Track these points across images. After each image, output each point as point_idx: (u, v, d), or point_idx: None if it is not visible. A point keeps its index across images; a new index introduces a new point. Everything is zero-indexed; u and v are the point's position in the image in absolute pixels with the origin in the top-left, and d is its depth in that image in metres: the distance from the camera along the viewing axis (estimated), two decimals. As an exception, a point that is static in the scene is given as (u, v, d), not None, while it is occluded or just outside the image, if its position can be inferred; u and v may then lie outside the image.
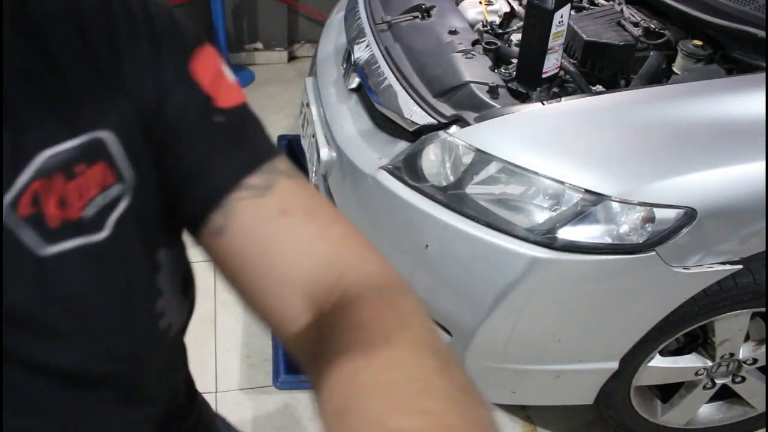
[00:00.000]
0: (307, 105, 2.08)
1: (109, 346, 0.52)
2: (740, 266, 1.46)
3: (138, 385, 0.58)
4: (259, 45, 3.71)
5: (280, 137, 2.84)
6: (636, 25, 1.78)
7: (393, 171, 1.57)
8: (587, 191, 1.37)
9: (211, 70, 0.55)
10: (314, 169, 1.98)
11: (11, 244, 0.46)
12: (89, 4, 0.51)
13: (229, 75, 0.57)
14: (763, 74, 1.53)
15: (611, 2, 1.91)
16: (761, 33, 1.56)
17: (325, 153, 1.83)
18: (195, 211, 0.53)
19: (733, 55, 1.66)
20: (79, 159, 0.49)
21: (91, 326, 0.50)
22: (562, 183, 1.38)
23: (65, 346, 0.49)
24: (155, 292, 0.55)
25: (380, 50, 1.88)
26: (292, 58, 3.83)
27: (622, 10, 1.85)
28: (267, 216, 0.53)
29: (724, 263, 1.45)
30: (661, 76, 1.71)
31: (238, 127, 0.55)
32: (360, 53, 1.91)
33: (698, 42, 1.67)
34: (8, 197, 0.46)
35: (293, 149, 2.25)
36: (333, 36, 2.22)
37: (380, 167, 1.60)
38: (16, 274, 0.47)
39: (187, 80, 0.54)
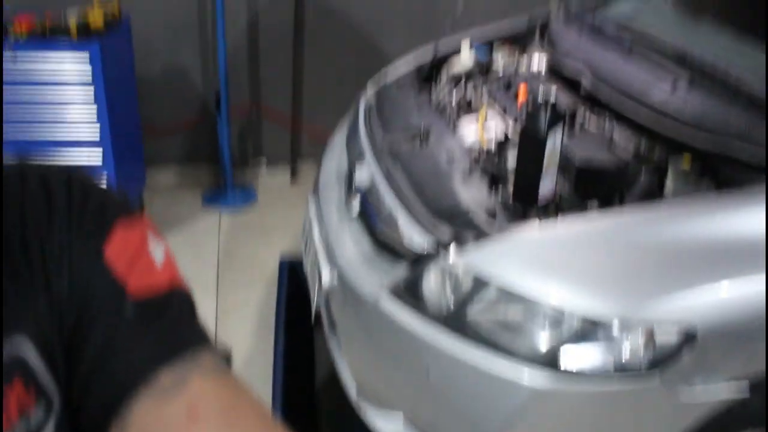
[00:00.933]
0: (309, 227, 2.12)
1: None
2: (747, 385, 1.44)
3: None
4: (263, 164, 3.81)
5: (282, 260, 2.87)
6: (626, 146, 1.84)
7: (394, 295, 1.59)
8: (587, 315, 1.38)
9: (130, 252, 0.50)
10: (316, 292, 2.00)
11: None
12: (32, 193, 0.49)
13: (155, 254, 0.52)
14: (755, 190, 1.57)
15: (602, 125, 1.97)
16: (746, 152, 1.61)
17: (327, 276, 1.85)
18: (95, 416, 0.46)
19: (721, 171, 1.71)
20: None
21: None
22: (562, 307, 1.40)
23: None
24: None
25: (381, 173, 1.94)
26: (295, 176, 3.93)
27: (612, 132, 1.91)
28: (172, 421, 0.45)
29: (729, 381, 1.44)
30: (654, 194, 1.75)
31: (152, 318, 0.49)
32: (361, 175, 1.97)
33: (687, 160, 1.72)
34: None
35: (295, 271, 2.28)
36: (335, 157, 2.29)
37: (381, 291, 1.62)
38: None
39: (100, 267, 0.49)
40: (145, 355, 0.47)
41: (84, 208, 0.50)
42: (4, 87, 2.81)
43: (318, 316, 1.95)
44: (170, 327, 0.50)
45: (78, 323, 0.48)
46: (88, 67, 2.80)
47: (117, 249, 0.50)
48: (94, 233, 0.49)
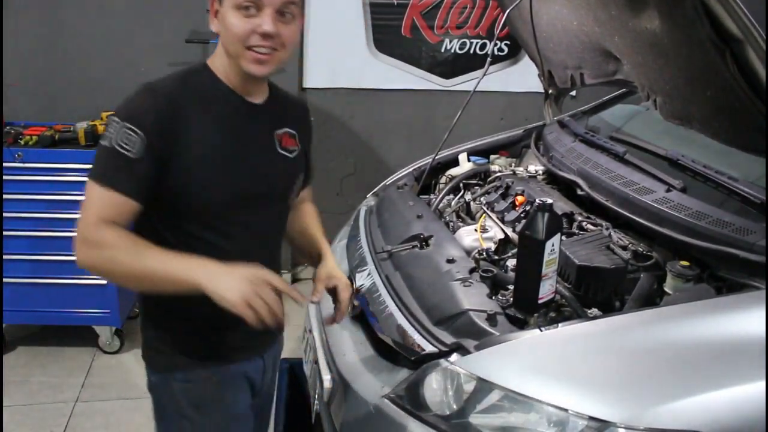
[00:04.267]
0: (310, 331, 2.11)
1: None
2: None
3: None
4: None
5: (283, 360, 2.83)
6: (624, 248, 1.87)
7: (395, 400, 1.57)
8: (592, 418, 1.36)
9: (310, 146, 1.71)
10: (316, 395, 1.97)
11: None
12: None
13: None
14: (754, 293, 1.58)
15: (599, 228, 2.01)
16: (742, 254, 1.63)
17: (328, 380, 1.83)
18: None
19: (719, 274, 1.72)
20: (293, 135, 1.61)
21: None
22: (566, 410, 1.38)
23: None
24: None
25: (381, 278, 1.95)
26: (295, 280, 3.94)
27: (610, 235, 1.94)
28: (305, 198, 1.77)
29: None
30: (653, 297, 1.75)
31: (312, 167, 1.75)
32: (362, 281, 1.98)
33: (685, 263, 1.74)
34: (276, 132, 1.56)
35: (295, 373, 2.25)
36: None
37: (382, 396, 1.60)
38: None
39: (310, 145, 1.71)
40: (312, 175, 1.77)
41: (310, 122, 1.72)
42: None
43: (318, 418, 1.91)
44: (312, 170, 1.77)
45: (305, 145, 1.67)
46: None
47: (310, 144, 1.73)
48: (311, 133, 1.72)
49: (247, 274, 1.28)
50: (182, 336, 1.53)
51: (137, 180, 1.32)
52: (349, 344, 1.87)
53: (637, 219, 1.89)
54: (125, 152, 1.30)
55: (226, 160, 1.41)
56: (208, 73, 1.45)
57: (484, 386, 1.46)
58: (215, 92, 1.43)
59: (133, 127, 1.30)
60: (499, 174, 2.56)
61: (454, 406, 1.48)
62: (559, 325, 1.56)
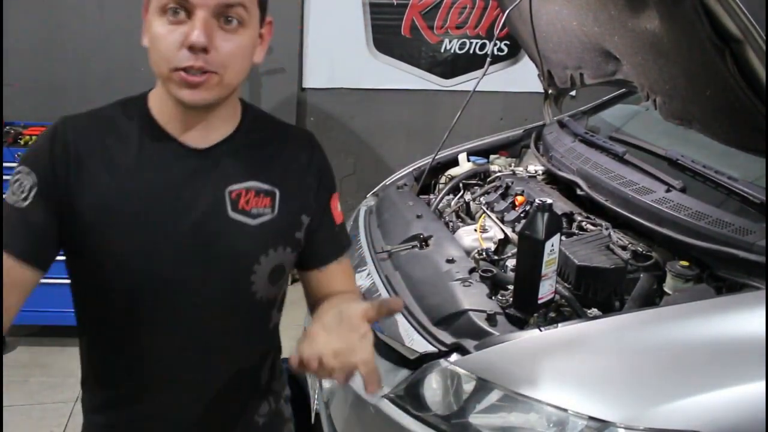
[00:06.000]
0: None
1: None
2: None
3: None
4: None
5: (283, 360, 2.83)
6: (624, 248, 1.87)
7: (395, 400, 1.57)
8: (591, 418, 1.36)
9: (336, 204, 1.21)
10: (316, 395, 1.97)
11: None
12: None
13: (340, 208, 1.22)
14: (754, 293, 1.58)
15: (599, 228, 2.01)
16: (742, 254, 1.64)
17: (328, 380, 1.83)
18: (310, 262, 1.21)
19: (719, 274, 1.72)
20: (262, 191, 1.10)
21: None
22: (566, 410, 1.38)
23: None
24: None
25: (381, 278, 1.95)
26: (295, 280, 3.93)
27: (609, 235, 1.94)
28: (338, 274, 1.23)
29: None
30: (653, 297, 1.76)
31: (342, 232, 1.24)
32: (361, 281, 1.98)
33: (685, 263, 1.74)
34: (228, 188, 1.08)
35: (295, 374, 2.26)
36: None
37: (382, 396, 1.60)
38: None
39: (328, 204, 1.20)
40: (339, 247, 1.23)
41: (326, 169, 1.20)
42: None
43: (318, 418, 1.92)
44: (346, 238, 1.26)
45: (314, 217, 1.17)
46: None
47: (334, 201, 1.21)
48: (329, 188, 1.20)
49: None
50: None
51: (30, 236, 1.03)
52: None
53: (637, 219, 1.89)
54: (16, 201, 1.03)
55: (130, 226, 1.04)
56: (140, 105, 1.10)
57: (483, 386, 1.46)
58: (139, 131, 1.07)
59: (26, 169, 1.03)
60: (498, 174, 2.56)
61: (454, 406, 1.49)
62: (559, 325, 1.57)
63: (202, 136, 1.08)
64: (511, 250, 2.05)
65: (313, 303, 1.23)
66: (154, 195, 1.05)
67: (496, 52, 3.97)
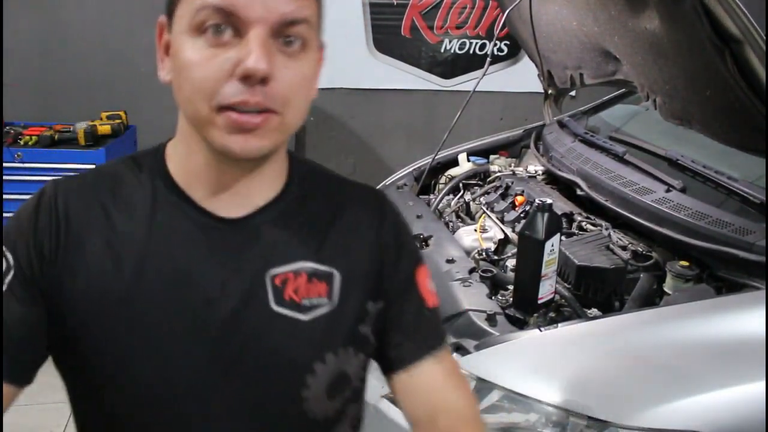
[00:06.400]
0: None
1: None
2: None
3: None
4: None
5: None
6: (624, 248, 1.87)
7: (395, 401, 1.57)
8: (591, 418, 1.36)
9: (425, 279, 0.93)
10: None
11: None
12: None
13: (431, 285, 0.94)
14: (754, 293, 1.58)
15: (599, 228, 2.01)
16: (742, 254, 1.63)
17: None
18: (394, 362, 0.90)
19: (719, 274, 1.72)
20: (316, 274, 0.83)
21: None
22: (566, 410, 1.38)
23: None
24: None
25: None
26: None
27: (609, 235, 1.94)
28: (438, 376, 0.91)
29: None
30: (653, 297, 1.75)
31: (435, 316, 0.95)
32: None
33: (685, 263, 1.74)
34: (270, 272, 0.82)
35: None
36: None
37: (382, 396, 1.60)
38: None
39: (411, 279, 0.91)
40: (434, 338, 0.92)
41: (403, 235, 0.93)
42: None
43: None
44: (440, 328, 0.96)
45: (390, 299, 0.89)
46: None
47: (421, 275, 0.92)
48: (412, 259, 0.92)
49: None
50: None
51: (3, 342, 0.78)
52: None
53: (637, 219, 1.89)
54: None
55: (138, 323, 0.78)
56: (155, 161, 0.84)
57: (483, 386, 1.46)
58: (153, 195, 0.81)
59: (4, 251, 0.79)
60: (498, 174, 2.56)
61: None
62: (559, 325, 1.57)
63: (237, 202, 0.81)
64: (511, 250, 2.05)
65: (412, 420, 0.93)
66: (171, 281, 0.79)
67: (496, 52, 3.97)
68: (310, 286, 0.83)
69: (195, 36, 0.73)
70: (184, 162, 0.82)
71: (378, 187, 2.69)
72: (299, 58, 0.76)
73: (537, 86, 3.04)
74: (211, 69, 0.72)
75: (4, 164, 2.96)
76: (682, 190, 1.89)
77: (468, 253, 1.99)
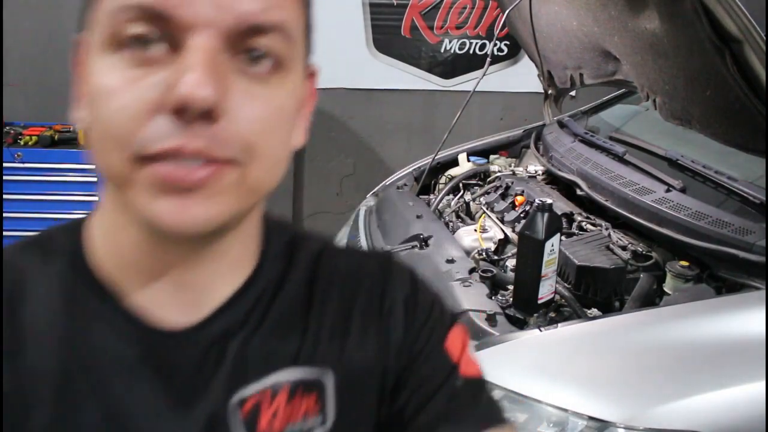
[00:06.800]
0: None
1: None
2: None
3: None
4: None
5: None
6: (624, 248, 1.87)
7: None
8: (591, 418, 1.36)
9: (460, 348, 0.66)
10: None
11: None
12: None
13: (472, 351, 0.68)
14: (754, 293, 1.58)
15: (599, 228, 2.01)
16: (742, 254, 1.64)
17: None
18: None
19: (719, 274, 1.72)
20: (301, 385, 0.58)
21: None
22: (566, 410, 1.37)
23: None
24: None
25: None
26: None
27: (609, 235, 1.94)
28: None
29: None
30: (653, 297, 1.75)
31: (475, 390, 0.65)
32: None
33: (685, 263, 1.74)
34: (237, 397, 0.56)
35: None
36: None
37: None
38: None
39: (440, 349, 0.65)
40: (473, 419, 0.63)
41: (434, 309, 0.68)
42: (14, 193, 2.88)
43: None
44: (487, 401, 0.66)
45: (411, 382, 0.64)
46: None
47: (453, 341, 0.66)
48: (441, 328, 0.67)
49: None
50: None
51: None
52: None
53: (637, 219, 1.89)
54: None
55: None
56: (70, 245, 0.59)
57: (484, 386, 1.46)
58: (65, 296, 0.57)
59: None
60: (498, 174, 2.56)
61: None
62: (559, 325, 1.56)
63: (186, 300, 0.56)
64: (511, 250, 2.04)
65: None
66: (92, 422, 0.54)
67: (496, 52, 3.97)
68: (293, 406, 0.58)
69: (112, 51, 0.48)
70: (111, 242, 0.56)
71: (378, 187, 2.68)
72: (269, 82, 0.51)
73: (537, 86, 3.04)
74: (129, 99, 0.47)
75: (4, 164, 2.96)
76: (682, 190, 1.89)
77: (468, 253, 1.99)
